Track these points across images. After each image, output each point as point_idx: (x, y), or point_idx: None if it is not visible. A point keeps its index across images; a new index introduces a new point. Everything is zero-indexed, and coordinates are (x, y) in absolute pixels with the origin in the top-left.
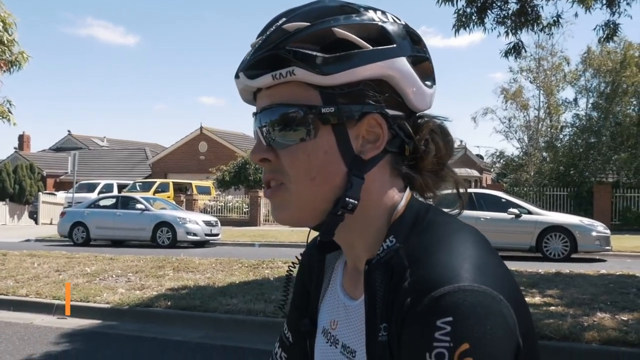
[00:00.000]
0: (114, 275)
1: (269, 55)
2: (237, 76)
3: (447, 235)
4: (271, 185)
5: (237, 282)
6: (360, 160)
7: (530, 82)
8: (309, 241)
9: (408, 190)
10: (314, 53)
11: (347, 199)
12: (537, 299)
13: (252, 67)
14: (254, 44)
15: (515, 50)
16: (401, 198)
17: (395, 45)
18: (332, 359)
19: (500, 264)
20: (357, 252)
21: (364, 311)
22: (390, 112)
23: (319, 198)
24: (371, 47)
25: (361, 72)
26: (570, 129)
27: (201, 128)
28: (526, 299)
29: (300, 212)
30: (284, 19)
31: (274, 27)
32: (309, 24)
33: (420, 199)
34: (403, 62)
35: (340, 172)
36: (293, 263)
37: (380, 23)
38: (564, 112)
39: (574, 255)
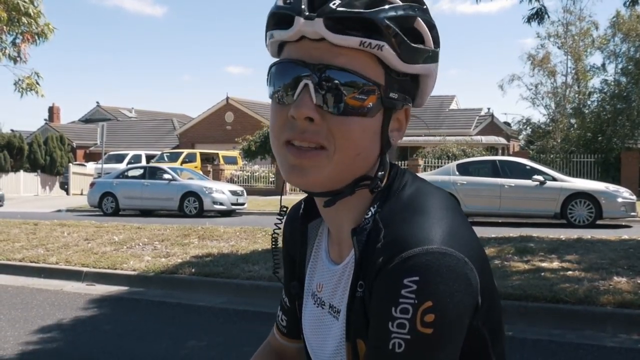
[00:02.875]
0: (140, 244)
1: (365, 18)
2: (307, 16)
3: (420, 199)
4: (300, 145)
5: (260, 249)
6: (389, 144)
7: (558, 47)
8: (286, 212)
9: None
10: (405, 38)
11: (378, 181)
12: (555, 264)
13: (340, 21)
14: None
15: (538, 15)
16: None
17: (439, 49)
18: (320, 318)
19: (468, 227)
20: (341, 221)
21: (347, 273)
22: (409, 104)
23: (352, 173)
24: (434, 48)
25: (422, 70)
26: (598, 94)
27: (227, 98)
28: (544, 264)
29: (329, 180)
30: None
31: None
32: (397, 1)
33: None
34: (437, 66)
35: (376, 153)
36: (275, 230)
37: (434, 25)
38: (591, 78)
39: (599, 222)
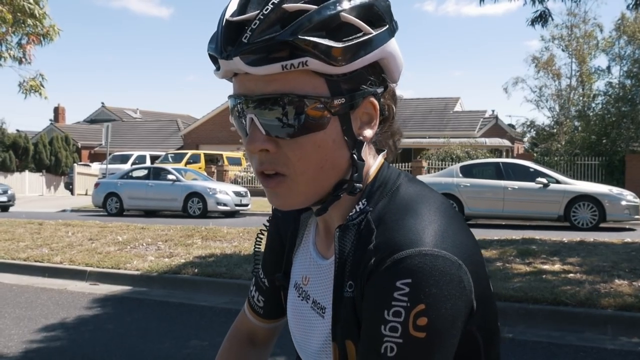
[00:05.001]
0: (144, 244)
1: (279, 42)
2: (225, 56)
3: (414, 201)
4: (267, 173)
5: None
6: (360, 143)
7: (562, 50)
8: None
9: (381, 156)
10: (328, 43)
11: (355, 184)
12: (557, 267)
13: (255, 52)
14: (241, 20)
15: (542, 18)
16: (373, 163)
17: (387, 26)
18: (304, 312)
19: (462, 230)
20: (329, 218)
21: (333, 270)
22: (379, 90)
23: (325, 184)
24: (374, 32)
25: (369, 59)
26: (603, 97)
27: None
28: (546, 266)
29: (305, 198)
30: None
31: (271, 5)
32: (313, 6)
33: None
34: (394, 43)
35: (345, 157)
36: (261, 231)
37: (373, 2)
38: (596, 80)
39: (602, 225)
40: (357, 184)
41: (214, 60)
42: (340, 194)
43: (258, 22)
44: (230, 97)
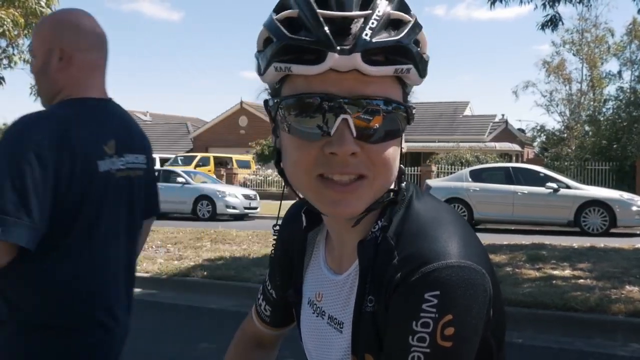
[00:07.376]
0: (153, 246)
1: (400, 46)
2: (343, 51)
3: (430, 213)
4: (341, 180)
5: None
6: (402, 154)
7: (573, 54)
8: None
9: None
10: (422, 55)
11: (404, 192)
12: (567, 272)
13: (374, 52)
14: (355, 16)
15: (552, 22)
16: None
17: None
18: (320, 328)
19: (477, 239)
20: (347, 233)
21: (349, 285)
22: None
23: (385, 190)
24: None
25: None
26: (614, 102)
27: (241, 103)
28: (556, 272)
29: (370, 202)
30: (385, 2)
31: (380, 12)
32: (409, 17)
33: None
34: None
35: (398, 165)
36: (274, 239)
37: None
38: (607, 85)
39: (613, 230)
40: (404, 192)
41: (299, 52)
42: (386, 200)
43: (375, 22)
44: (304, 95)
